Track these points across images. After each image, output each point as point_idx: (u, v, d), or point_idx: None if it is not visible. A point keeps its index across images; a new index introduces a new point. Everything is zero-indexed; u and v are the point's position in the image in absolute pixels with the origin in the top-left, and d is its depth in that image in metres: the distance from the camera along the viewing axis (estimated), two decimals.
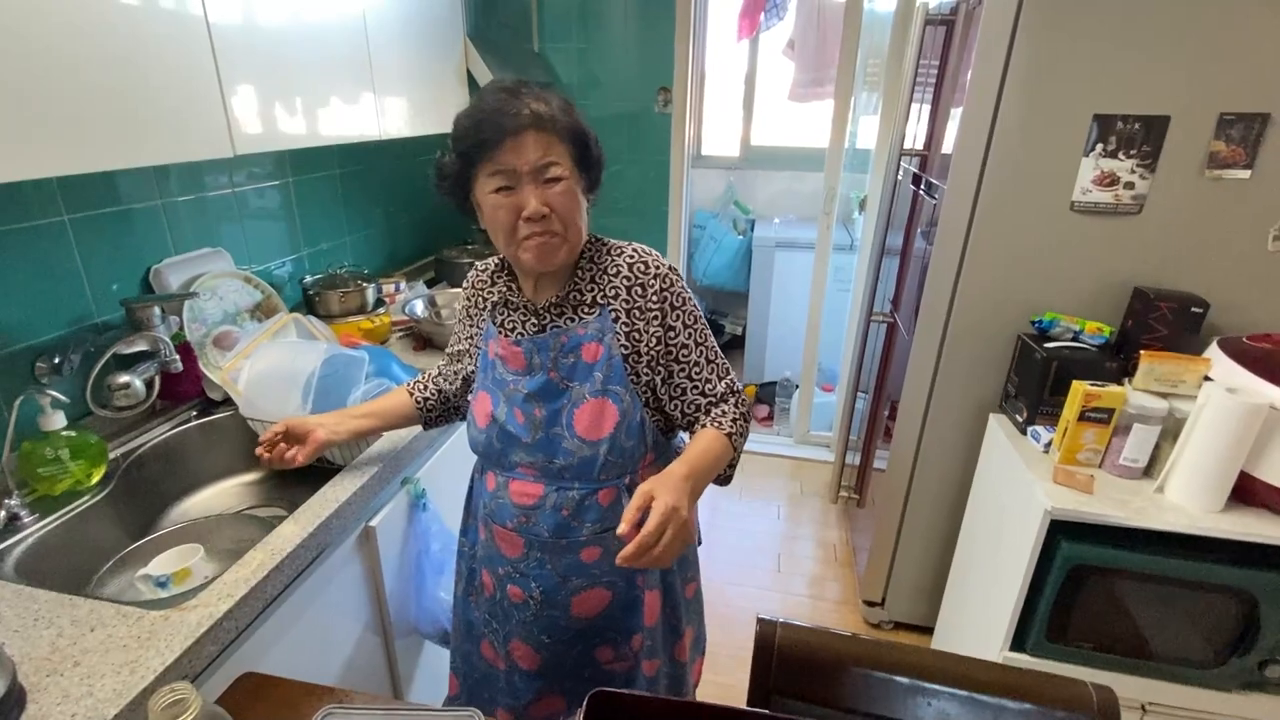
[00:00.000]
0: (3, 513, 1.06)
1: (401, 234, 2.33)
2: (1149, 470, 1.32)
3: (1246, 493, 1.22)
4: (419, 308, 1.89)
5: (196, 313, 1.42)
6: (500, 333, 1.03)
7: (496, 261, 1.07)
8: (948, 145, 1.60)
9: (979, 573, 1.59)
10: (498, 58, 2.14)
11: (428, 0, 1.82)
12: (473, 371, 1.09)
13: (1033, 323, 1.54)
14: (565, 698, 1.14)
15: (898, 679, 0.81)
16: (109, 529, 1.17)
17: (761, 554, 2.39)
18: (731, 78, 3.61)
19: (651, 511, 0.80)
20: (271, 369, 1.33)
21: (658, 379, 0.98)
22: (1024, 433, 1.49)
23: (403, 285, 2.04)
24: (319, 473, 1.20)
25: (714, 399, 1.00)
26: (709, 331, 1.02)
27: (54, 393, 1.11)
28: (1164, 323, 1.40)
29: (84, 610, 0.86)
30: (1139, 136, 1.39)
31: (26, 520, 1.07)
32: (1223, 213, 1.41)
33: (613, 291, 0.97)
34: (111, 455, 1.22)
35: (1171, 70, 1.35)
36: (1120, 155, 1.41)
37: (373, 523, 1.24)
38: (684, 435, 1.07)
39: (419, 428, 1.32)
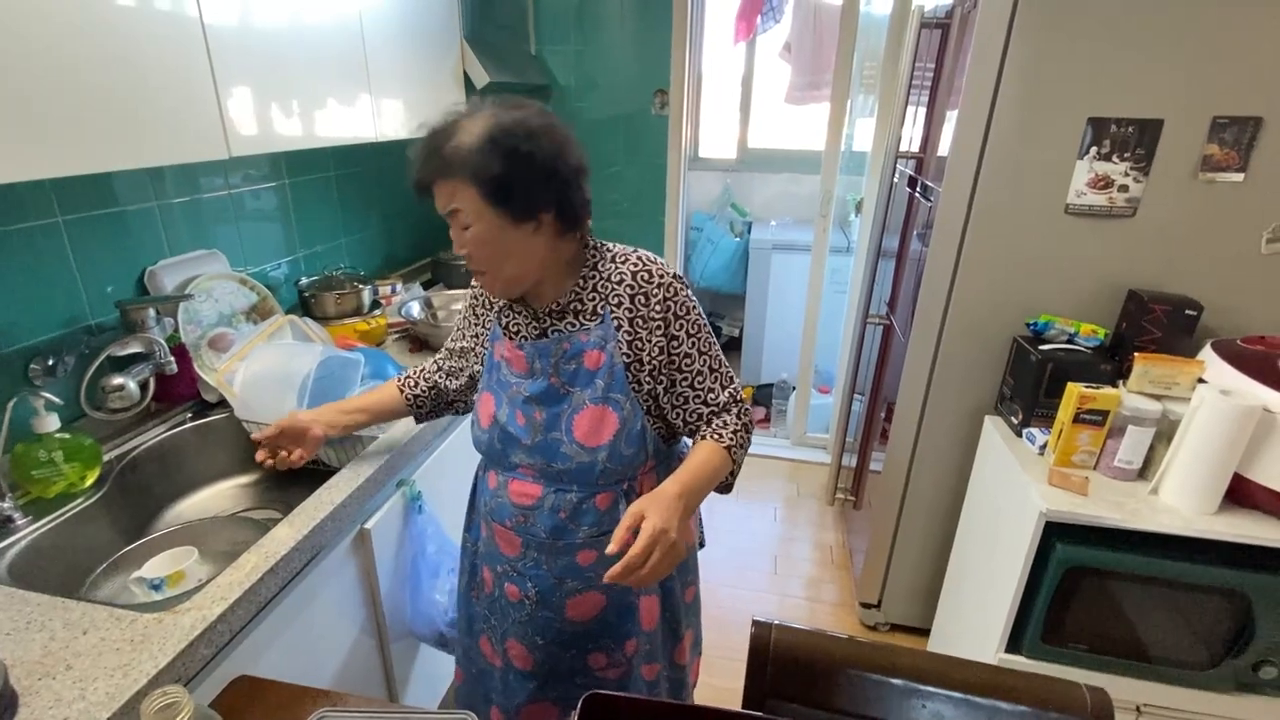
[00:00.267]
0: None
1: (398, 236, 2.32)
2: (1143, 472, 1.32)
3: (1240, 494, 1.22)
4: (415, 310, 1.89)
5: (192, 314, 1.41)
6: (505, 335, 1.03)
7: None
8: (943, 148, 1.60)
9: (975, 574, 1.59)
10: (494, 60, 2.14)
11: (424, 2, 1.82)
12: (478, 371, 1.10)
13: (1028, 325, 1.54)
14: (557, 706, 1.14)
15: (893, 681, 0.81)
16: (103, 532, 1.16)
17: (758, 556, 2.39)
18: (728, 80, 3.62)
19: (640, 532, 0.81)
20: (267, 371, 1.33)
21: (660, 388, 0.98)
22: (1019, 434, 1.50)
23: (399, 287, 2.03)
24: (314, 475, 1.20)
25: (716, 409, 1.00)
26: (713, 340, 1.01)
27: (48, 395, 1.11)
28: (1158, 325, 1.40)
29: (77, 613, 0.85)
30: (1133, 140, 1.40)
31: (20, 523, 1.06)
32: (1216, 216, 1.42)
33: (615, 299, 0.96)
34: (105, 458, 1.21)
35: (1165, 74, 1.35)
36: (1114, 158, 1.42)
37: (368, 525, 1.23)
38: (688, 441, 1.08)
39: (415, 430, 1.34)
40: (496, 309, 1.06)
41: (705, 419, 1.00)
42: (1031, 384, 1.46)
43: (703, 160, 3.82)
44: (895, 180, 2.05)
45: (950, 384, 1.69)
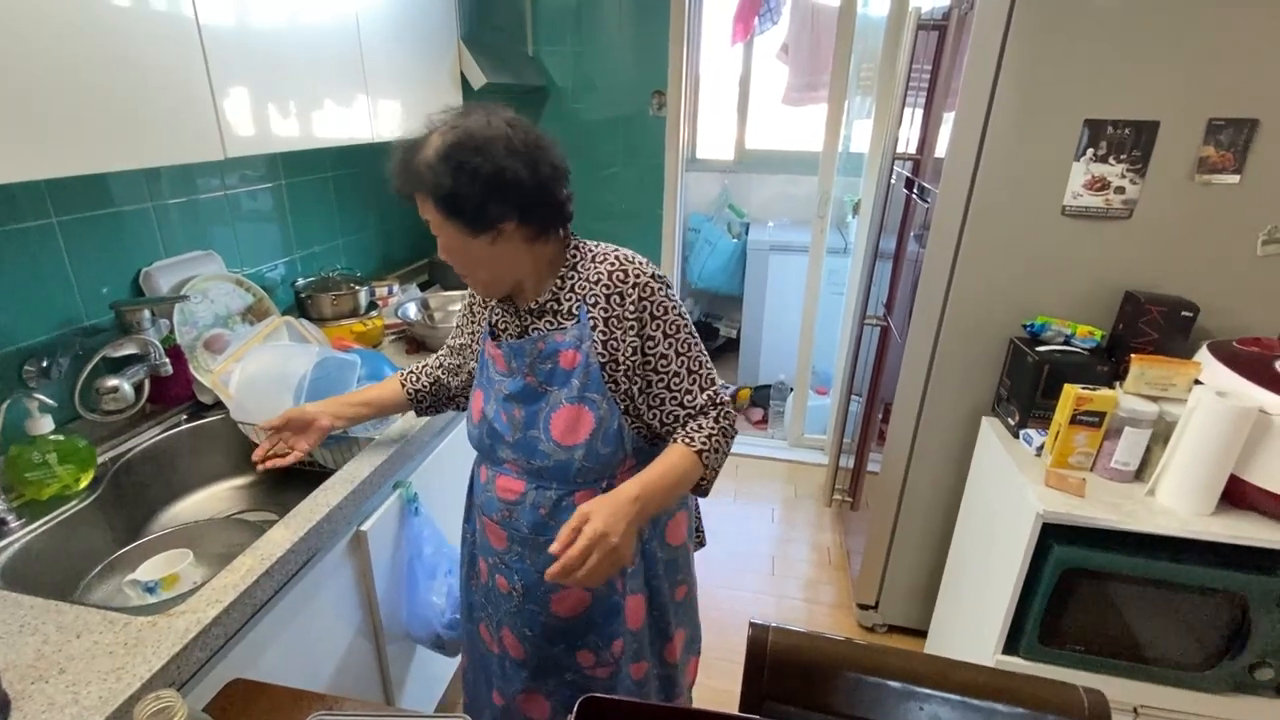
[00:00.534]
0: None
1: (395, 237, 2.32)
2: (1140, 473, 1.32)
3: (1237, 496, 1.22)
4: (412, 311, 1.89)
5: (187, 316, 1.41)
6: (491, 333, 1.05)
7: None
8: (940, 149, 1.61)
9: (972, 576, 1.59)
10: (492, 61, 2.14)
11: (421, 3, 1.81)
12: (474, 368, 1.12)
13: (1025, 326, 1.55)
14: (549, 700, 1.15)
15: (890, 683, 0.81)
16: (97, 534, 1.16)
17: (755, 557, 2.39)
18: (726, 81, 3.62)
19: (580, 534, 0.82)
20: (263, 372, 1.33)
21: (635, 388, 0.98)
22: (1016, 436, 1.50)
23: (396, 288, 2.03)
24: (310, 477, 1.20)
25: (693, 411, 0.99)
26: (695, 341, 1.00)
27: (42, 396, 1.11)
28: (1154, 326, 1.40)
29: (70, 616, 0.85)
30: (1129, 141, 1.40)
31: (13, 525, 1.06)
32: (1212, 217, 1.42)
33: (591, 299, 0.96)
34: (100, 459, 1.21)
35: (1161, 76, 1.36)
36: (1111, 160, 1.42)
37: (364, 527, 1.23)
38: None
39: (411, 431, 1.34)
40: (489, 308, 1.07)
41: (681, 421, 1.00)
42: (1028, 385, 1.46)
43: (700, 161, 3.83)
44: (892, 181, 2.06)
45: (947, 385, 1.69)
